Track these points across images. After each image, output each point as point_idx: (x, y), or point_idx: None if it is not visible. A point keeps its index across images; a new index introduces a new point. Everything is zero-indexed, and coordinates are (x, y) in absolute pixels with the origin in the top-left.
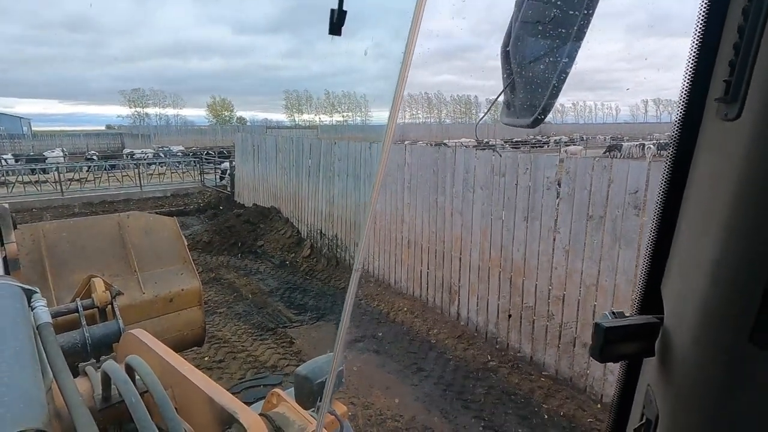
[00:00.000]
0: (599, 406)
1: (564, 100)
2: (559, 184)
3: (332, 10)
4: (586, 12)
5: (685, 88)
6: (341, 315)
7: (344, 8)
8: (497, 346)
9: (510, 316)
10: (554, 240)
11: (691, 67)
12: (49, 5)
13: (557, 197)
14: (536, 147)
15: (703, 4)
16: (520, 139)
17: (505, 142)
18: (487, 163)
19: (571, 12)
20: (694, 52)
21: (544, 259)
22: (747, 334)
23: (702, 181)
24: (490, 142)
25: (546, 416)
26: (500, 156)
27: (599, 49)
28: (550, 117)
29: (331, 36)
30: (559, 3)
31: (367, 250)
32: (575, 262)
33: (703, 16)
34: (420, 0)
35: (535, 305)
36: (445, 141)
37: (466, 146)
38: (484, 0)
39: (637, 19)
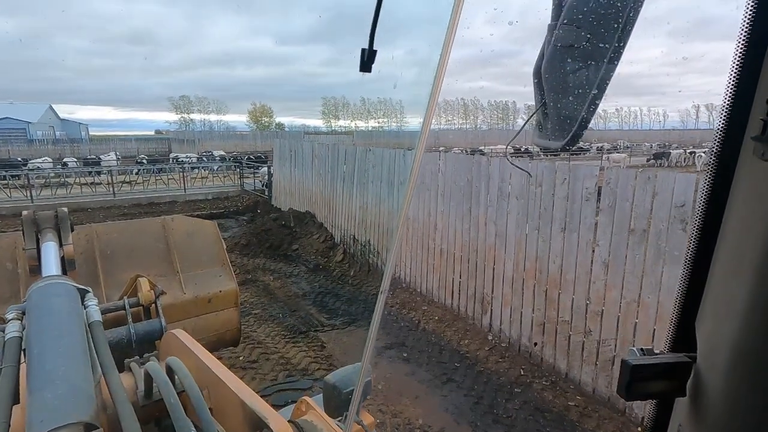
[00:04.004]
0: (640, 429)
1: (606, 105)
2: (599, 193)
3: (363, 50)
4: (620, 36)
5: (722, 124)
6: (369, 328)
7: (374, 48)
8: (531, 360)
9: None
10: (593, 253)
11: (728, 103)
12: (116, 21)
13: (597, 208)
14: (576, 154)
15: (742, 40)
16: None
17: (543, 149)
18: (523, 172)
19: (606, 36)
20: (732, 86)
21: (581, 272)
22: None
23: (736, 220)
24: (528, 149)
25: None
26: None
27: (641, 55)
28: (592, 123)
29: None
30: (594, 25)
31: (394, 266)
32: (615, 277)
33: (741, 52)
34: (456, 7)
35: (571, 320)
36: (481, 147)
37: (503, 154)
38: (517, 7)
39: (678, 25)
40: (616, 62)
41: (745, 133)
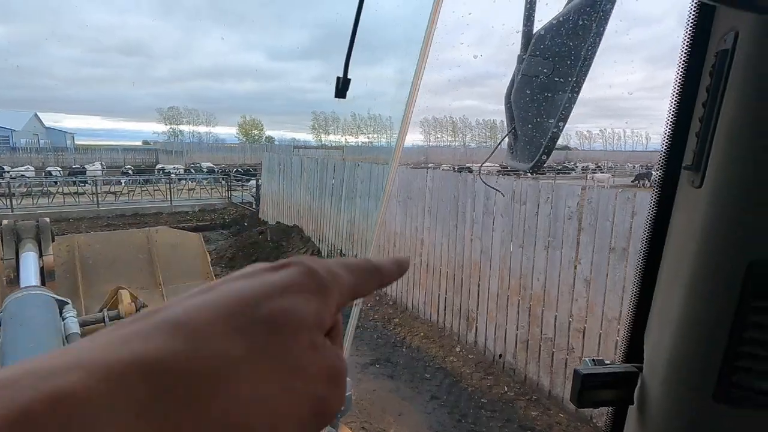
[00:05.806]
0: None
1: (590, 126)
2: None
3: (338, 78)
4: (581, 68)
5: (663, 154)
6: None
7: (348, 76)
8: (515, 377)
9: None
10: (575, 270)
11: (668, 134)
12: (110, 32)
13: (578, 226)
14: (562, 173)
15: (678, 77)
16: (545, 165)
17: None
18: (508, 191)
19: (568, 68)
20: (671, 119)
21: (564, 289)
22: (710, 391)
23: (675, 241)
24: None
25: None
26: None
27: (621, 79)
28: (577, 143)
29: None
30: (556, 60)
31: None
32: (597, 295)
33: (677, 89)
34: (428, 31)
35: (554, 337)
36: (468, 165)
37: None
38: (501, 30)
39: (656, 52)
40: (576, 92)
41: (682, 163)
